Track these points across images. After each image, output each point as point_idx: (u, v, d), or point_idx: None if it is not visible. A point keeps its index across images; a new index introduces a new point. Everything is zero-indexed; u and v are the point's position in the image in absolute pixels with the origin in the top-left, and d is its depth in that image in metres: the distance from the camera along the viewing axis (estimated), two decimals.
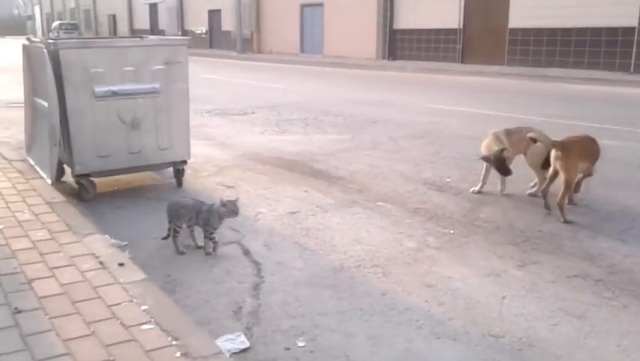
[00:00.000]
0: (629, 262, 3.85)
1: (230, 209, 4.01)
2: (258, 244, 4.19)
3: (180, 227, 4.03)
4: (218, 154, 7.06)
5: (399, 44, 22.52)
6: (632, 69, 15.68)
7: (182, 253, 4.02)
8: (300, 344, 2.89)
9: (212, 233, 3.99)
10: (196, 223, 4.02)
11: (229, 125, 9.16)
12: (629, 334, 2.97)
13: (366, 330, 3.02)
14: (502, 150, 5.10)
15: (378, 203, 5.15)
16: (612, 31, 16.15)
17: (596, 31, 16.50)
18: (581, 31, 16.83)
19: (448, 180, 5.90)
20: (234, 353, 2.77)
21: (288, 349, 2.85)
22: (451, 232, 4.45)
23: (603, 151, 5.03)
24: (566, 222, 4.56)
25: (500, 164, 5.13)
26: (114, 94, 4.97)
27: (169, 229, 4.05)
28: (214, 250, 4.02)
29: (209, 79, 16.58)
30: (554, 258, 3.93)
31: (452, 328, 3.04)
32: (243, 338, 2.92)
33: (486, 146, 5.29)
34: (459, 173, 6.14)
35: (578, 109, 9.90)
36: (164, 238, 4.09)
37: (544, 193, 4.88)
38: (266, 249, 4.12)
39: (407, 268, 3.79)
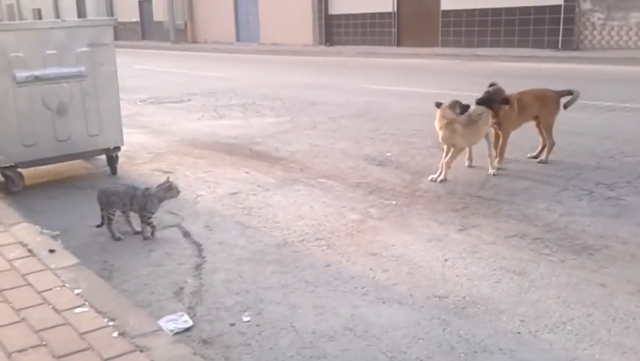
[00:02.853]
0: (564, 220, 3.96)
1: (175, 188, 3.91)
2: (199, 226, 4.08)
3: (113, 214, 3.87)
4: (154, 141, 6.85)
5: (335, 30, 22.51)
6: (559, 46, 16.23)
7: (118, 240, 3.86)
8: (246, 318, 2.82)
9: (149, 218, 3.86)
10: (131, 209, 3.87)
11: (164, 112, 8.91)
12: (567, 286, 3.04)
13: (312, 300, 2.98)
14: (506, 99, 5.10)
15: (320, 180, 5.12)
16: (540, 9, 16.64)
17: (525, 10, 16.96)
18: (511, 10, 17.27)
19: (389, 154, 5.92)
20: (177, 333, 2.68)
21: (233, 325, 2.78)
22: (393, 202, 4.46)
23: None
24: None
25: (490, 97, 5.09)
26: (37, 79, 4.70)
27: (102, 217, 3.89)
28: (152, 234, 3.88)
29: (143, 69, 16.10)
30: (493, 221, 4.00)
31: (397, 292, 3.04)
32: (185, 317, 2.83)
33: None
34: (399, 148, 6.18)
35: (510, 84, 10.17)
36: (98, 226, 3.92)
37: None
38: (207, 230, 4.01)
39: (351, 239, 3.78)
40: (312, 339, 2.62)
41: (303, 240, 3.79)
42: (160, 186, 3.91)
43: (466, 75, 12.77)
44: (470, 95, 9.30)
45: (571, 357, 2.43)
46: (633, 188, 4.58)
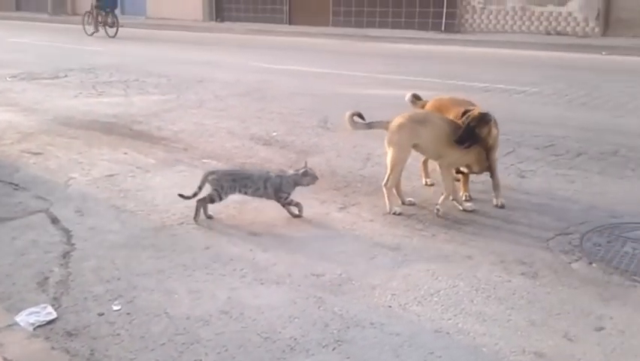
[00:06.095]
0: (437, 197, 4.11)
1: (313, 175, 3.82)
2: (69, 211, 3.84)
3: None
4: (23, 120, 6.36)
5: (226, 5, 22.00)
6: (443, 28, 16.89)
7: None
8: (116, 307, 2.70)
9: (286, 198, 3.76)
10: (264, 194, 3.75)
11: (37, 89, 8.29)
12: (437, 258, 3.18)
13: (188, 285, 2.90)
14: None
15: (204, 160, 4.99)
16: None
17: None
18: None
19: (275, 134, 5.89)
20: (39, 326, 2.51)
21: (101, 314, 2.64)
22: None
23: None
24: None
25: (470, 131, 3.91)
26: None
27: None
28: (300, 211, 3.78)
29: (16, 42, 14.90)
30: (373, 199, 4.09)
31: (276, 272, 3.03)
32: (49, 309, 2.66)
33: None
34: (285, 127, 6.16)
35: (397, 65, 10.48)
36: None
37: None
38: (77, 215, 3.79)
39: (232, 221, 3.72)
40: (185, 325, 2.55)
41: (183, 222, 3.68)
42: (297, 171, 3.82)
43: (355, 55, 12.99)
44: (356, 75, 9.49)
45: (436, 327, 2.54)
46: (501, 165, 4.85)
